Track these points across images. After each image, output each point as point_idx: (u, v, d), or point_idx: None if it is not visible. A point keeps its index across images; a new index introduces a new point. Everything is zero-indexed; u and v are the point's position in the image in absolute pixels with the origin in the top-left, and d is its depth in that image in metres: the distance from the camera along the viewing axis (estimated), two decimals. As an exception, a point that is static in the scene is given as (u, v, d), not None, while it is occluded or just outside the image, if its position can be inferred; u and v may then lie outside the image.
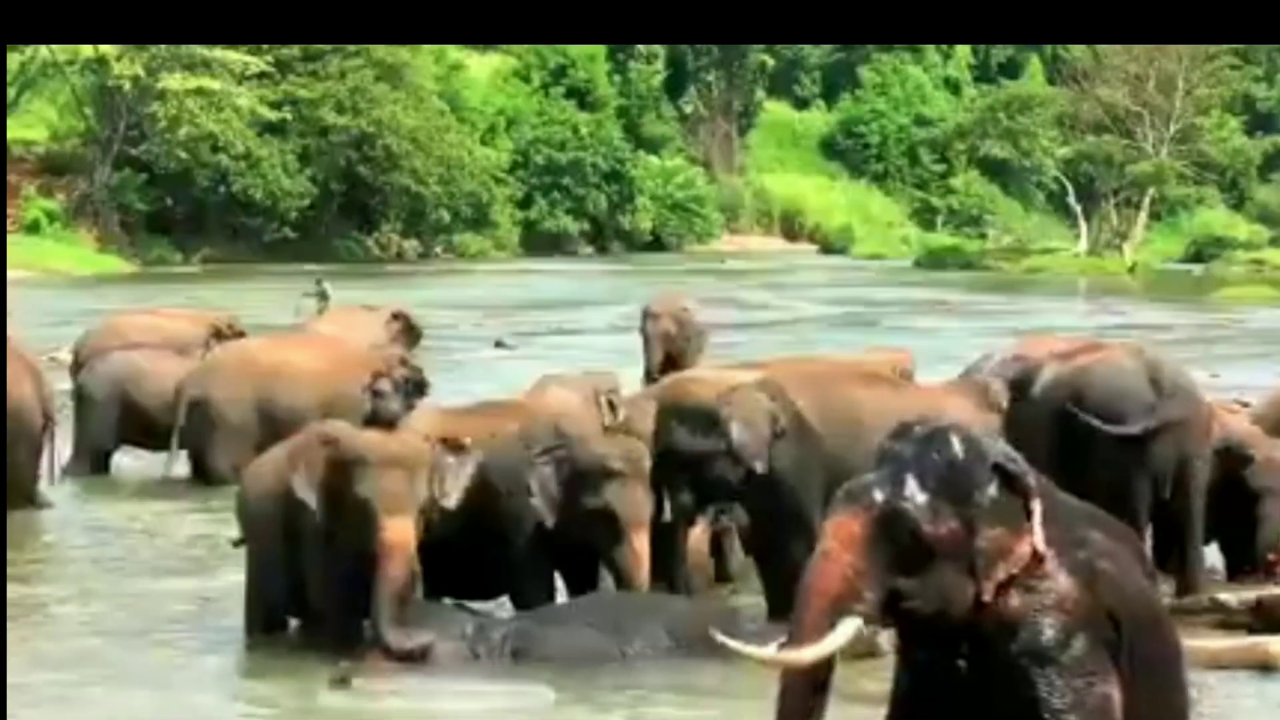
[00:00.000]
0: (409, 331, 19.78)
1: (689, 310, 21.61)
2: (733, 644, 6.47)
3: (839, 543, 6.31)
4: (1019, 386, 12.29)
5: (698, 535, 11.43)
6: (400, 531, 9.43)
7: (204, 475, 15.74)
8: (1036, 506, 6.33)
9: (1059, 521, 6.43)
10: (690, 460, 10.48)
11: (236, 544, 10.58)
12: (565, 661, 9.63)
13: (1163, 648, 6.58)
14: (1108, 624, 6.37)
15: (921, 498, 6.28)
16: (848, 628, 6.18)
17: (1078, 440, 11.50)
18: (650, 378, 20.07)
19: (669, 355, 20.68)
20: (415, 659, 9.51)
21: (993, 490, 6.32)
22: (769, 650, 6.37)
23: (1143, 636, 6.48)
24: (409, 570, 9.50)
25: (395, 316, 19.71)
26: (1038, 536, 6.30)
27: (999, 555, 6.28)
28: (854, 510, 6.35)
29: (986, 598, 6.27)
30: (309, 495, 9.57)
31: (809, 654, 6.22)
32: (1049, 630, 6.32)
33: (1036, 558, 6.29)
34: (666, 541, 10.86)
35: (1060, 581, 6.34)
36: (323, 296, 26.81)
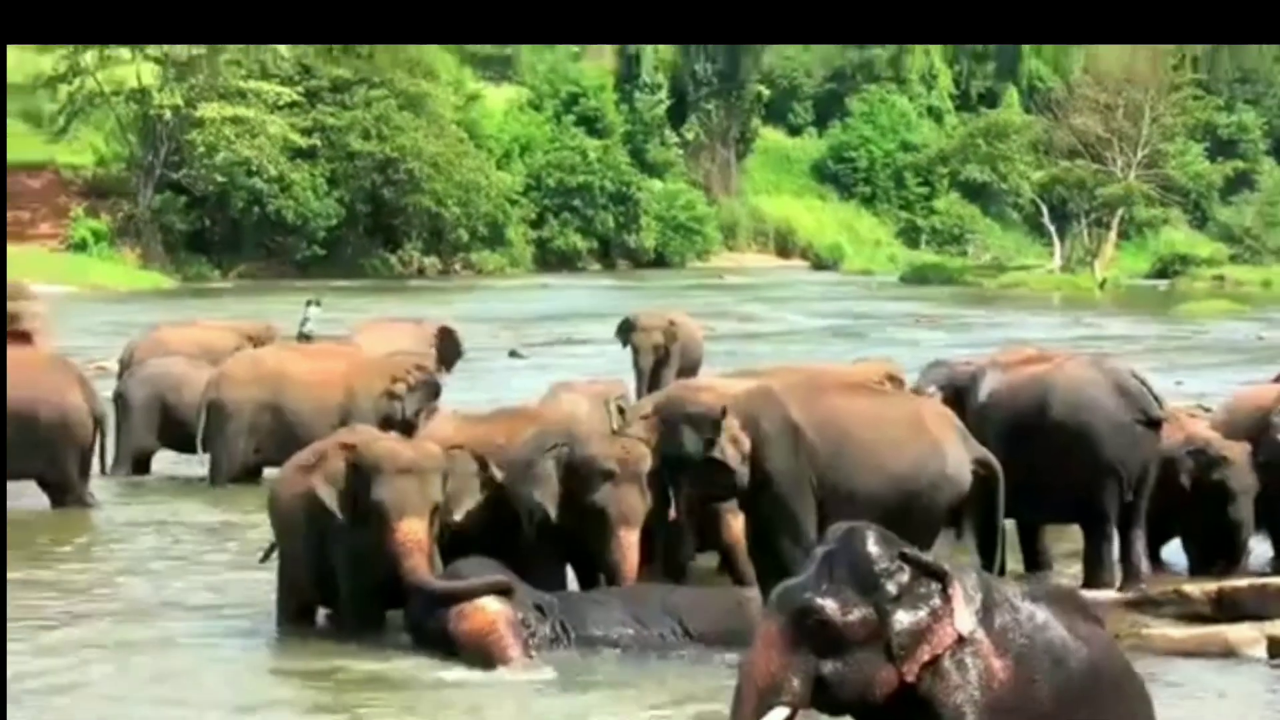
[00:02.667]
0: (451, 346, 19.59)
1: (675, 323, 21.73)
2: None
3: (763, 642, 6.51)
4: (958, 394, 12.30)
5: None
6: (411, 531, 9.58)
7: (218, 471, 15.78)
8: (956, 590, 6.46)
9: (996, 605, 6.57)
10: (694, 463, 10.49)
11: (264, 558, 10.60)
12: (605, 642, 9.75)
13: (1098, 684, 6.71)
14: (1039, 703, 6.50)
15: (830, 590, 6.43)
16: (775, 717, 6.37)
17: (1039, 445, 11.50)
18: (641, 384, 20.22)
19: (656, 364, 20.87)
20: (467, 595, 9.59)
21: (904, 578, 6.45)
22: None
23: (1080, 688, 6.64)
24: (426, 560, 9.65)
25: (441, 332, 19.54)
26: (959, 619, 6.44)
27: (918, 638, 6.41)
28: (775, 611, 6.56)
29: (909, 678, 6.39)
30: (331, 499, 9.66)
31: None
32: (974, 711, 6.44)
33: (960, 639, 6.42)
34: (673, 537, 10.92)
35: (993, 663, 6.45)
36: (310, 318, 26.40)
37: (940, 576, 6.49)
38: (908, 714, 6.51)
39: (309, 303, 27.19)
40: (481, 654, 9.42)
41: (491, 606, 9.51)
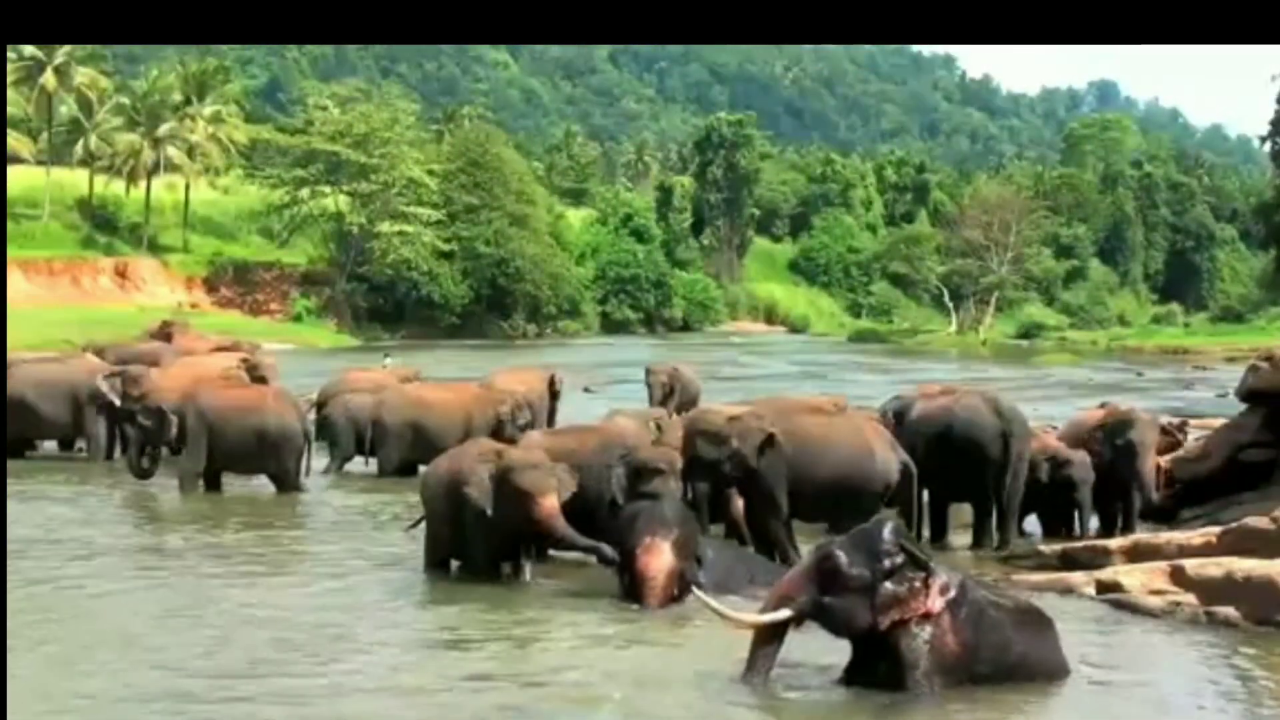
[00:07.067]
0: (554, 389, 19.43)
1: (678, 369, 21.56)
2: (710, 602, 6.82)
3: (798, 568, 6.80)
4: (898, 417, 12.24)
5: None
6: (551, 503, 9.52)
7: (382, 468, 15.68)
8: (934, 582, 6.52)
9: (964, 599, 6.63)
10: (707, 463, 10.44)
11: (410, 528, 10.46)
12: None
13: (1028, 665, 6.84)
14: (979, 668, 6.62)
15: (847, 554, 6.60)
16: (781, 613, 6.58)
17: (947, 450, 11.42)
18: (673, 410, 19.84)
19: (664, 397, 20.46)
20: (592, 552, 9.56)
21: (898, 560, 6.53)
22: (741, 615, 6.81)
23: (1018, 667, 6.77)
24: (563, 521, 9.54)
25: (551, 380, 19.53)
26: (931, 600, 6.49)
27: (893, 602, 6.49)
28: (811, 554, 6.82)
29: (880, 627, 6.49)
30: (479, 487, 9.61)
31: (757, 619, 6.68)
32: (924, 663, 6.51)
33: (927, 613, 6.49)
34: (695, 512, 10.84)
35: (947, 638, 6.52)
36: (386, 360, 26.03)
37: (925, 568, 6.58)
38: (878, 651, 6.59)
39: (385, 354, 27.26)
40: (638, 584, 8.94)
41: (669, 554, 8.98)
